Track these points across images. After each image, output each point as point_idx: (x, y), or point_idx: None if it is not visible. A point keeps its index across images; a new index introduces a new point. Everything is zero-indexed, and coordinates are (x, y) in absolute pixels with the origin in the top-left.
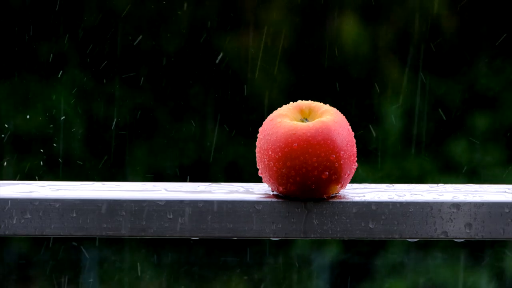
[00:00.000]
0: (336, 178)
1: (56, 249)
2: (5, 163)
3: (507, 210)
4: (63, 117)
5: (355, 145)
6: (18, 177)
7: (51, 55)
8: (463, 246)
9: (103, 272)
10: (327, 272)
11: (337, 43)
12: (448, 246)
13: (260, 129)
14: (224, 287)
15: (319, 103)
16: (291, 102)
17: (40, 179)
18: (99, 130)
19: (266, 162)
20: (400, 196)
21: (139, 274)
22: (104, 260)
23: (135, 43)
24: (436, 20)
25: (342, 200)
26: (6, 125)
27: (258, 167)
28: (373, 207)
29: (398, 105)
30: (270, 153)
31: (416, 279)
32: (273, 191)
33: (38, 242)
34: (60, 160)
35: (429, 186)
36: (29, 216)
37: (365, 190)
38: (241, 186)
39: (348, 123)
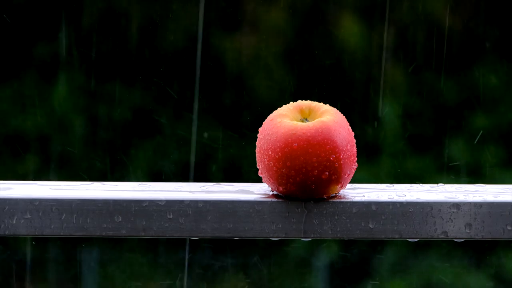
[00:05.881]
0: (336, 178)
1: (56, 249)
2: (5, 164)
3: (507, 210)
4: (63, 117)
5: (355, 145)
6: (17, 177)
7: (51, 54)
8: (463, 246)
9: (103, 272)
10: (327, 272)
11: (337, 43)
12: (448, 246)
13: (260, 129)
14: (224, 287)
15: (319, 103)
16: (291, 102)
17: (40, 179)
18: (99, 130)
19: (266, 162)
20: (400, 196)
21: (138, 274)
22: (104, 260)
23: (134, 43)
24: (437, 20)
25: (342, 200)
26: (5, 125)
27: (258, 167)
28: (373, 207)
29: (398, 105)
30: (270, 153)
31: (416, 279)
32: (273, 191)
33: (38, 242)
34: (60, 160)
35: (429, 186)
36: (29, 216)
37: (365, 190)
38: (241, 186)
39: (348, 123)
